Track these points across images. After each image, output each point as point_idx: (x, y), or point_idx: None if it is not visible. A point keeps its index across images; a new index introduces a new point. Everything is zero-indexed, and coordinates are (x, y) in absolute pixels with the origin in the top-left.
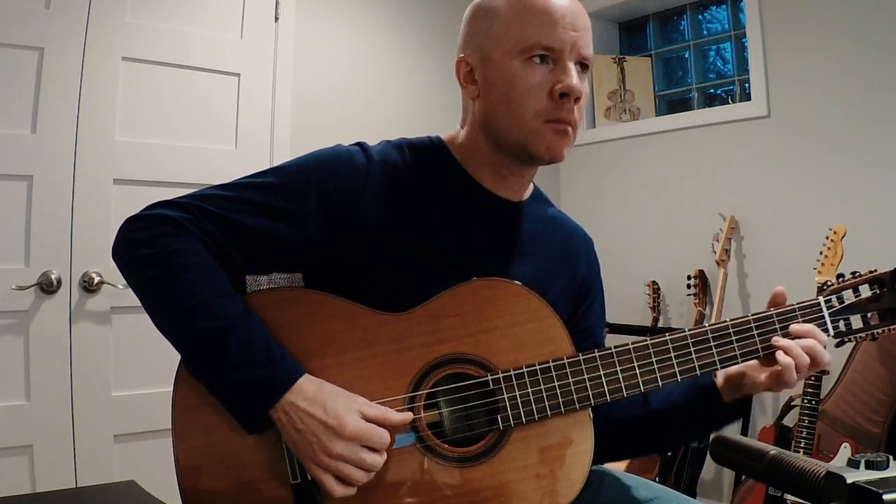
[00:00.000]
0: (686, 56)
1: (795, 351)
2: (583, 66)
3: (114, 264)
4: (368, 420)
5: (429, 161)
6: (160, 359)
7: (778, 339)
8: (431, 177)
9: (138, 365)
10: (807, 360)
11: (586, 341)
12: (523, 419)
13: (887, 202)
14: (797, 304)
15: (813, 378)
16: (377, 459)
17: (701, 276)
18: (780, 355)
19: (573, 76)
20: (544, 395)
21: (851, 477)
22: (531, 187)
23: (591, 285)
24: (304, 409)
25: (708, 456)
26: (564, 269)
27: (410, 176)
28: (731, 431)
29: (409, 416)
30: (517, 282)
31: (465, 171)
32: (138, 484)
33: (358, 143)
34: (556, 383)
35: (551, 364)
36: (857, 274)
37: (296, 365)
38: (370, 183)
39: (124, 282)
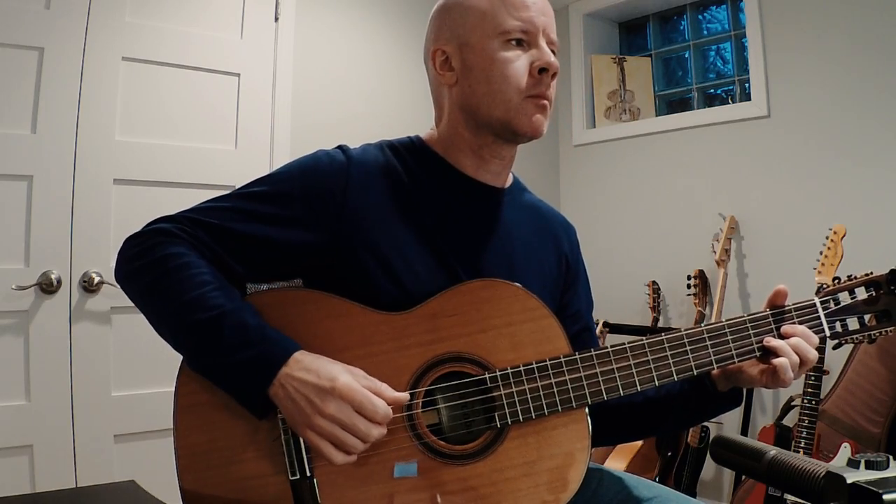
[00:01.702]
0: (686, 56)
1: (786, 350)
2: (551, 51)
3: (113, 264)
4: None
5: (409, 156)
6: (160, 359)
7: (770, 340)
8: (412, 169)
9: (138, 365)
10: (797, 359)
11: (575, 325)
12: (520, 417)
13: (887, 202)
14: (793, 304)
15: (813, 378)
16: (370, 427)
17: (701, 276)
18: (778, 364)
19: (549, 54)
20: (541, 393)
21: (851, 477)
22: (511, 177)
23: (575, 268)
24: (298, 378)
25: (708, 456)
26: (548, 251)
27: (392, 170)
28: (731, 431)
29: (405, 395)
30: (516, 283)
31: (446, 160)
32: (138, 484)
33: (339, 146)
34: (553, 381)
35: (548, 363)
36: (853, 277)
37: (291, 341)
38: (351, 180)
39: None
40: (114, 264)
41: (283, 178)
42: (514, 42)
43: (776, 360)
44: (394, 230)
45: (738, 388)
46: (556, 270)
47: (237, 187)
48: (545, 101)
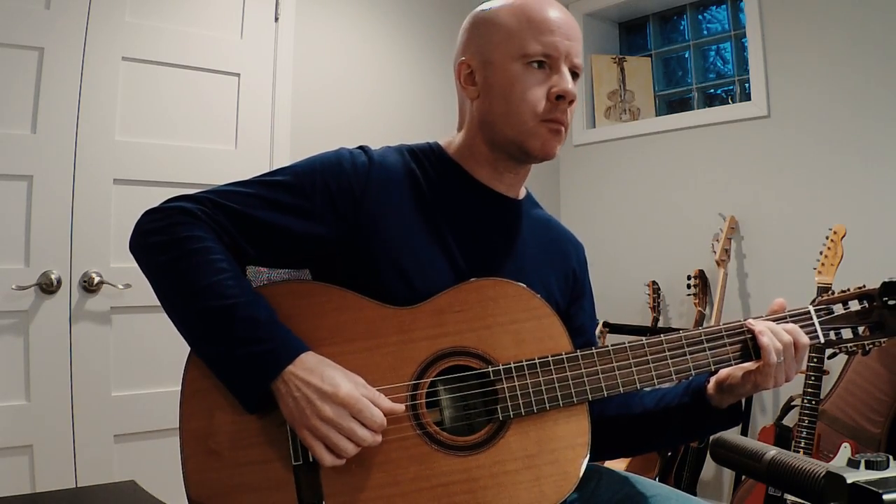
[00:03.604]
0: (686, 56)
1: (773, 327)
2: (574, 73)
3: (114, 264)
4: None
5: (427, 161)
6: (160, 359)
7: (753, 322)
8: (430, 175)
9: (138, 365)
10: (787, 337)
11: (580, 338)
12: (522, 411)
13: (887, 202)
14: (788, 311)
15: (813, 378)
16: (367, 434)
17: (701, 276)
18: (759, 337)
19: (568, 80)
20: (543, 388)
21: (851, 477)
22: (524, 191)
23: (582, 283)
24: (302, 378)
25: (708, 456)
26: (557, 264)
27: (410, 175)
28: (731, 431)
29: (400, 406)
30: (521, 284)
31: (463, 168)
32: (138, 484)
33: (360, 147)
34: (555, 376)
35: (550, 359)
36: (848, 289)
37: (300, 341)
38: (371, 182)
39: (124, 282)
40: (114, 264)
41: (305, 172)
42: (535, 65)
43: (761, 339)
44: (409, 233)
45: (736, 406)
46: (564, 284)
47: (259, 174)
48: (560, 127)
